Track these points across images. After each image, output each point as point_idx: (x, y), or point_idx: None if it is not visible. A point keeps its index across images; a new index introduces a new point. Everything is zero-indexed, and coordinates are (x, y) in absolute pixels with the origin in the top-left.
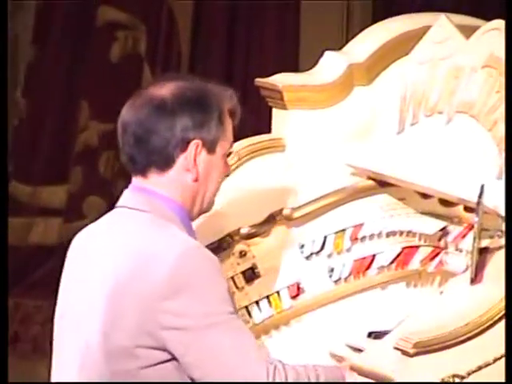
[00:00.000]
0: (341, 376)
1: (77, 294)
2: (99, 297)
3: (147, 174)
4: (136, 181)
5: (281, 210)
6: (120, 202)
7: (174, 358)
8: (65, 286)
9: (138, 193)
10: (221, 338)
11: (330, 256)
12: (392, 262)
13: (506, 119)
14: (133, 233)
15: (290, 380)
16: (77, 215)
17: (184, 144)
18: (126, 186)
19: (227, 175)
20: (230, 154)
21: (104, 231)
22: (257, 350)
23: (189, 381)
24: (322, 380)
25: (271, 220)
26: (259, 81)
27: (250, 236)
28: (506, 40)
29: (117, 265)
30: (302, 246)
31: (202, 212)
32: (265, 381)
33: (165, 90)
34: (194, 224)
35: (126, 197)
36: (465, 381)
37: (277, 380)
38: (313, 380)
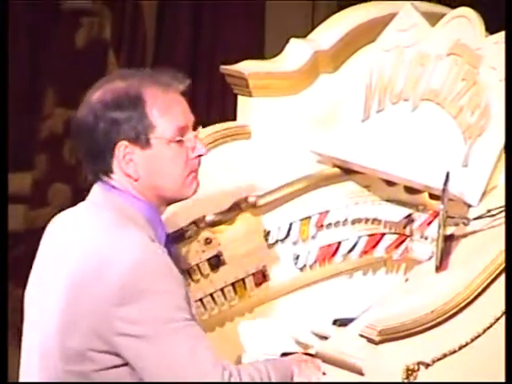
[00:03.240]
0: (290, 372)
1: (37, 290)
2: (55, 296)
3: (108, 174)
4: (104, 177)
5: (246, 198)
6: (88, 197)
7: (127, 363)
8: (31, 279)
9: (103, 189)
10: (175, 345)
11: (295, 243)
12: (357, 250)
13: (506, 119)
14: (91, 232)
15: None
16: (42, 202)
17: (111, 149)
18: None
19: (201, 154)
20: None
21: (67, 227)
22: (212, 356)
23: None
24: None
25: (236, 207)
26: (225, 68)
27: (215, 223)
28: (506, 40)
29: (73, 265)
30: (268, 233)
31: (176, 199)
32: None
33: (94, 95)
34: None
35: (94, 191)
36: (430, 369)
37: None
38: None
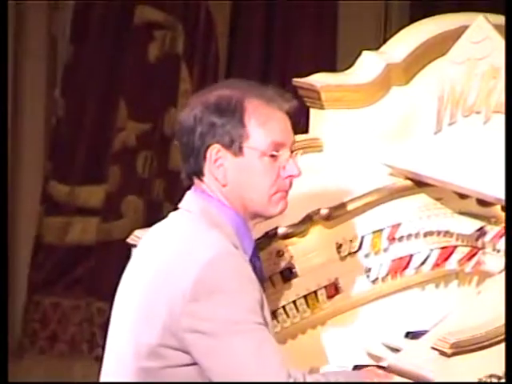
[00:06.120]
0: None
1: (123, 295)
2: (135, 295)
3: (199, 176)
4: (196, 181)
5: (318, 210)
6: (180, 203)
7: (196, 363)
8: (120, 287)
9: (194, 194)
10: (243, 347)
11: (367, 256)
12: (429, 263)
13: (506, 120)
14: (175, 237)
15: None
16: (114, 215)
17: (204, 151)
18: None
19: (293, 175)
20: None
21: (154, 236)
22: (279, 362)
23: None
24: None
25: (309, 220)
26: (297, 81)
27: (287, 236)
28: (506, 41)
29: (154, 267)
30: (340, 246)
31: (262, 215)
32: None
33: (198, 99)
34: None
35: (185, 197)
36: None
37: None
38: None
